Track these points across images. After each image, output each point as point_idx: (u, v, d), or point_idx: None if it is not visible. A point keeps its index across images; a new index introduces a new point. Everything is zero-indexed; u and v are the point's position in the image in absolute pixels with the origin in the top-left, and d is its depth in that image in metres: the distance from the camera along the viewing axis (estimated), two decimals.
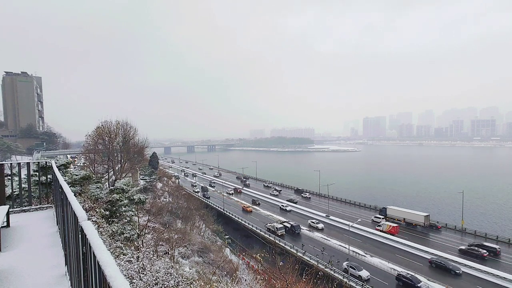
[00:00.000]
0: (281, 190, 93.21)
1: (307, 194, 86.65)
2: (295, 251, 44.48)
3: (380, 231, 52.22)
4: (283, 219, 61.44)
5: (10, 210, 8.34)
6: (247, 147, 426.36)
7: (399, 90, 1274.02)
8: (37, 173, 10.73)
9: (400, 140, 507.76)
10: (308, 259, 41.49)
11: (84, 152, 52.34)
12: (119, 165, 48.49)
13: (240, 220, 62.99)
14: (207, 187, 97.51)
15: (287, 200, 78.77)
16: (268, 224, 56.11)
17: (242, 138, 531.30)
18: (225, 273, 26.06)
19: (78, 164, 56.06)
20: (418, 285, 32.90)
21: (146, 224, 21.97)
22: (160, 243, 22.35)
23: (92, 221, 9.40)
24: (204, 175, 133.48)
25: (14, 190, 10.60)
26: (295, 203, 76.52)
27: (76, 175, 16.01)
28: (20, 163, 11.29)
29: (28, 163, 9.81)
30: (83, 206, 9.74)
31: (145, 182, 60.40)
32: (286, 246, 46.92)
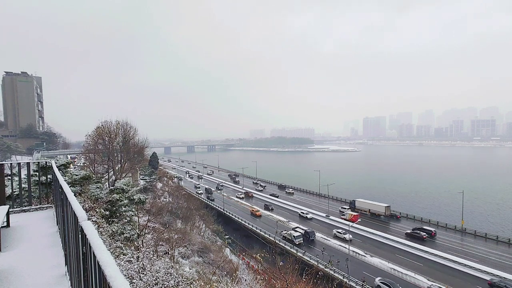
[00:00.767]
0: (265, 186, 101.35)
1: (290, 189, 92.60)
2: (295, 251, 44.48)
3: (344, 219, 60.38)
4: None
5: (10, 210, 8.34)
6: (247, 147, 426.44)
7: (399, 90, 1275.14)
8: (37, 173, 10.73)
9: (400, 140, 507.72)
10: (308, 259, 41.49)
11: (84, 152, 52.37)
12: (119, 165, 48.50)
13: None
14: (211, 189, 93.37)
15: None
16: (284, 232, 50.87)
17: (242, 138, 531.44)
18: (225, 273, 26.07)
19: (78, 164, 56.07)
20: None
21: (146, 224, 21.97)
22: (160, 243, 22.36)
23: (92, 221, 9.40)
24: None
25: (14, 190, 10.60)
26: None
27: (76, 175, 16.01)
28: (20, 163, 11.29)
29: (28, 163, 9.81)
30: (83, 206, 9.75)
31: (145, 182, 60.43)
32: (286, 246, 46.93)
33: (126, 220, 16.14)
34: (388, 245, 47.26)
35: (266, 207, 71.21)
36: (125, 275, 7.43)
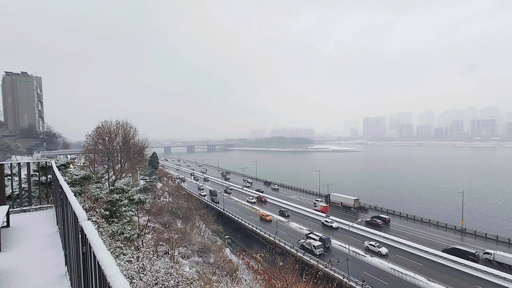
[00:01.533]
0: (252, 182, 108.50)
1: (275, 186, 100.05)
2: (295, 251, 44.48)
3: (316, 210, 67.79)
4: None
5: (10, 210, 8.34)
6: (247, 147, 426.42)
7: (399, 90, 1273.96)
8: (37, 173, 10.74)
9: (400, 140, 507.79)
10: (308, 259, 41.49)
11: (84, 152, 52.38)
12: (119, 165, 48.52)
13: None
14: (217, 191, 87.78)
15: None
16: (302, 241, 46.87)
17: (242, 138, 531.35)
18: (225, 273, 26.06)
19: (78, 164, 56.05)
20: None
21: (146, 224, 21.97)
22: (160, 243, 22.35)
23: (92, 221, 9.40)
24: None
25: (14, 190, 10.60)
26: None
27: (76, 175, 16.02)
28: (20, 163, 11.30)
29: (28, 163, 9.82)
30: (83, 206, 9.75)
31: (145, 182, 60.43)
32: (286, 246, 46.90)
33: (126, 220, 16.13)
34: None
35: (282, 213, 65.69)
36: (125, 275, 7.43)
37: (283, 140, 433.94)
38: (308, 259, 41.84)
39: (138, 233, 16.65)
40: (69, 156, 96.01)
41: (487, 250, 41.15)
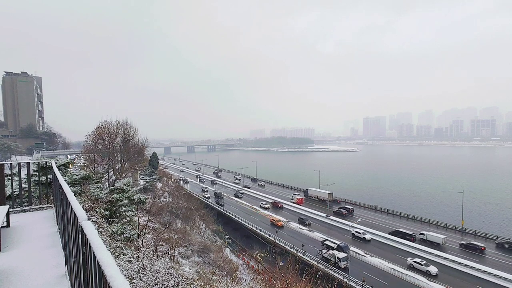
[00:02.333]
0: (240, 179, 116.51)
1: (262, 182, 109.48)
2: (295, 251, 44.47)
3: (292, 202, 76.12)
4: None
5: (10, 210, 8.34)
6: (247, 147, 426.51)
7: (399, 90, 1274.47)
8: (37, 173, 10.74)
9: (400, 140, 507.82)
10: (308, 259, 41.49)
11: (84, 152, 52.38)
12: (119, 165, 48.53)
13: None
14: (222, 193, 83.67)
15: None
16: (324, 252, 42.27)
17: (242, 138, 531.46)
18: (225, 273, 26.05)
19: (78, 164, 56.07)
20: None
21: (146, 224, 21.97)
22: (160, 243, 22.35)
23: (92, 221, 9.40)
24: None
25: (14, 190, 10.59)
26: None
27: (76, 175, 16.02)
28: (20, 163, 11.31)
29: (28, 163, 9.82)
30: (83, 206, 9.74)
31: (145, 182, 60.43)
32: (286, 246, 46.89)
33: (126, 220, 16.13)
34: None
35: (301, 221, 60.42)
36: (125, 275, 7.43)
37: (283, 140, 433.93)
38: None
39: (138, 233, 16.65)
40: (69, 156, 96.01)
41: (422, 231, 49.30)
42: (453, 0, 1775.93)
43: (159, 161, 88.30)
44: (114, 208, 16.29)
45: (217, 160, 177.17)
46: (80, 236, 2.95)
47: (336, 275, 37.20)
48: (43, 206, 10.08)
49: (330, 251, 41.90)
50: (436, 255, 42.40)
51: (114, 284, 1.67)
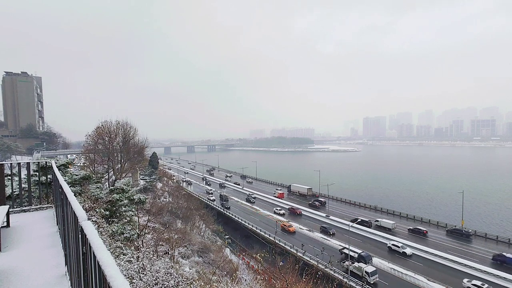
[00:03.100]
0: (231, 176, 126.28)
1: (250, 179, 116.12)
2: (295, 251, 44.46)
3: (274, 196, 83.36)
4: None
5: (10, 210, 8.34)
6: (247, 147, 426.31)
7: (399, 90, 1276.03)
8: (37, 173, 10.73)
9: (400, 140, 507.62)
10: (308, 259, 41.48)
11: (84, 152, 52.36)
12: (119, 165, 48.52)
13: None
14: (228, 196, 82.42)
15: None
16: (350, 264, 37.62)
17: (242, 138, 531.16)
18: (225, 273, 26.05)
19: (78, 165, 56.04)
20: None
21: (146, 224, 21.97)
22: (160, 243, 22.34)
23: (92, 221, 9.40)
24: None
25: (14, 190, 10.59)
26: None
27: (76, 175, 16.01)
28: (20, 163, 11.29)
29: (28, 163, 9.81)
30: (83, 206, 9.74)
31: (145, 182, 60.40)
32: (286, 246, 46.89)
33: (126, 220, 16.13)
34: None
35: (324, 230, 54.12)
36: (125, 275, 7.43)
37: (283, 140, 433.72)
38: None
39: (138, 233, 16.64)
40: (69, 156, 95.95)
41: (377, 219, 57.55)
42: (453, 0, 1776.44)
43: (159, 161, 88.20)
44: (114, 208, 16.29)
45: (217, 160, 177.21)
46: (80, 236, 2.95)
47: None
48: (43, 206, 10.08)
49: (356, 264, 37.85)
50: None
51: (114, 284, 1.67)
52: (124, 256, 9.13)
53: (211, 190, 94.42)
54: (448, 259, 40.93)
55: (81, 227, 2.84)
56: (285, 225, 56.22)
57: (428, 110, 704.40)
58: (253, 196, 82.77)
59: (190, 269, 22.20)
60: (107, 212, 15.44)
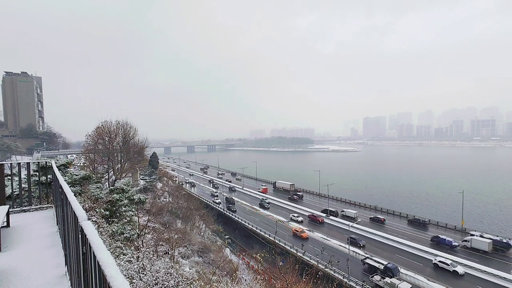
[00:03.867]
0: (223, 173, 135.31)
1: (239, 176, 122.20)
2: (295, 251, 44.46)
3: (259, 191, 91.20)
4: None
5: (10, 210, 8.34)
6: (247, 147, 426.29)
7: (399, 90, 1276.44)
8: (37, 173, 10.73)
9: (400, 140, 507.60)
10: (308, 259, 41.47)
11: (84, 152, 52.37)
12: (119, 165, 48.53)
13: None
14: (234, 198, 78.57)
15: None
16: (377, 279, 34.03)
17: (242, 138, 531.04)
18: (225, 273, 26.06)
19: (78, 165, 56.05)
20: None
21: (146, 224, 21.98)
22: (160, 243, 22.35)
23: (92, 221, 9.40)
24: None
25: (14, 190, 10.59)
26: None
27: (76, 175, 16.01)
28: (20, 163, 11.28)
29: (28, 163, 9.81)
30: (83, 206, 9.74)
31: (145, 182, 60.42)
32: (286, 246, 46.89)
33: (126, 220, 16.13)
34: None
35: (353, 242, 45.69)
36: (125, 275, 7.43)
37: (283, 140, 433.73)
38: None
39: (138, 233, 16.65)
40: (69, 156, 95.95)
41: (343, 209, 64.39)
42: (453, 0, 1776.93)
43: (160, 161, 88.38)
44: (114, 208, 16.29)
45: (217, 160, 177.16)
46: (80, 236, 2.95)
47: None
48: (43, 206, 10.08)
49: (387, 279, 33.30)
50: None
51: (114, 284, 1.67)
52: (124, 256, 9.13)
53: (216, 192, 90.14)
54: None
55: (81, 227, 2.84)
56: (297, 231, 52.54)
57: (428, 110, 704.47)
58: (267, 201, 75.51)
59: (190, 269, 22.21)
60: (107, 212, 15.44)
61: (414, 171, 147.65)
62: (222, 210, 71.17)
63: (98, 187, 17.36)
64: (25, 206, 9.81)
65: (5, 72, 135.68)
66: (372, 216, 60.54)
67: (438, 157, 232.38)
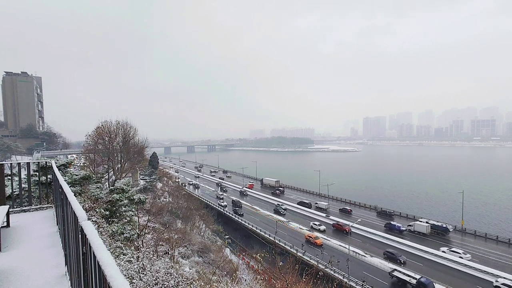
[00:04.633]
0: (216, 171, 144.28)
1: (229, 174, 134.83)
2: (295, 251, 44.44)
3: (246, 187, 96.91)
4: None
5: (10, 210, 8.34)
6: (247, 147, 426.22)
7: (399, 90, 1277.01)
8: (37, 173, 10.73)
9: (400, 140, 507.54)
10: (308, 259, 41.46)
11: (84, 152, 52.35)
12: (119, 165, 48.52)
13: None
14: (240, 201, 75.18)
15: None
16: None
17: (242, 138, 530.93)
18: (225, 273, 26.05)
19: (78, 165, 56.02)
20: None
21: (146, 224, 21.97)
22: (160, 243, 22.34)
23: (92, 221, 9.40)
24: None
25: (14, 190, 10.58)
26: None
27: (76, 175, 16.01)
28: (20, 163, 11.29)
29: (28, 163, 9.81)
30: (83, 206, 9.74)
31: (145, 182, 60.39)
32: (286, 246, 46.86)
33: (126, 220, 16.12)
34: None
35: (391, 257, 41.63)
36: (125, 275, 7.43)
37: (283, 140, 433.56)
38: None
39: (138, 233, 16.64)
40: (69, 156, 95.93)
41: (316, 201, 72.71)
42: (453, 0, 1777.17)
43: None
44: (114, 208, 16.29)
45: (217, 160, 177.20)
46: (80, 236, 2.95)
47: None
48: (43, 206, 10.08)
49: None
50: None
51: (114, 284, 1.67)
52: (124, 256, 9.13)
53: (221, 194, 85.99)
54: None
55: (81, 227, 2.84)
56: (311, 237, 49.28)
57: (428, 110, 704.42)
58: (283, 207, 69.66)
59: (190, 269, 22.20)
60: (107, 212, 15.43)
61: (414, 171, 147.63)
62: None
63: (98, 187, 17.36)
64: (25, 206, 9.81)
65: (5, 72, 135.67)
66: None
67: (438, 157, 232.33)
